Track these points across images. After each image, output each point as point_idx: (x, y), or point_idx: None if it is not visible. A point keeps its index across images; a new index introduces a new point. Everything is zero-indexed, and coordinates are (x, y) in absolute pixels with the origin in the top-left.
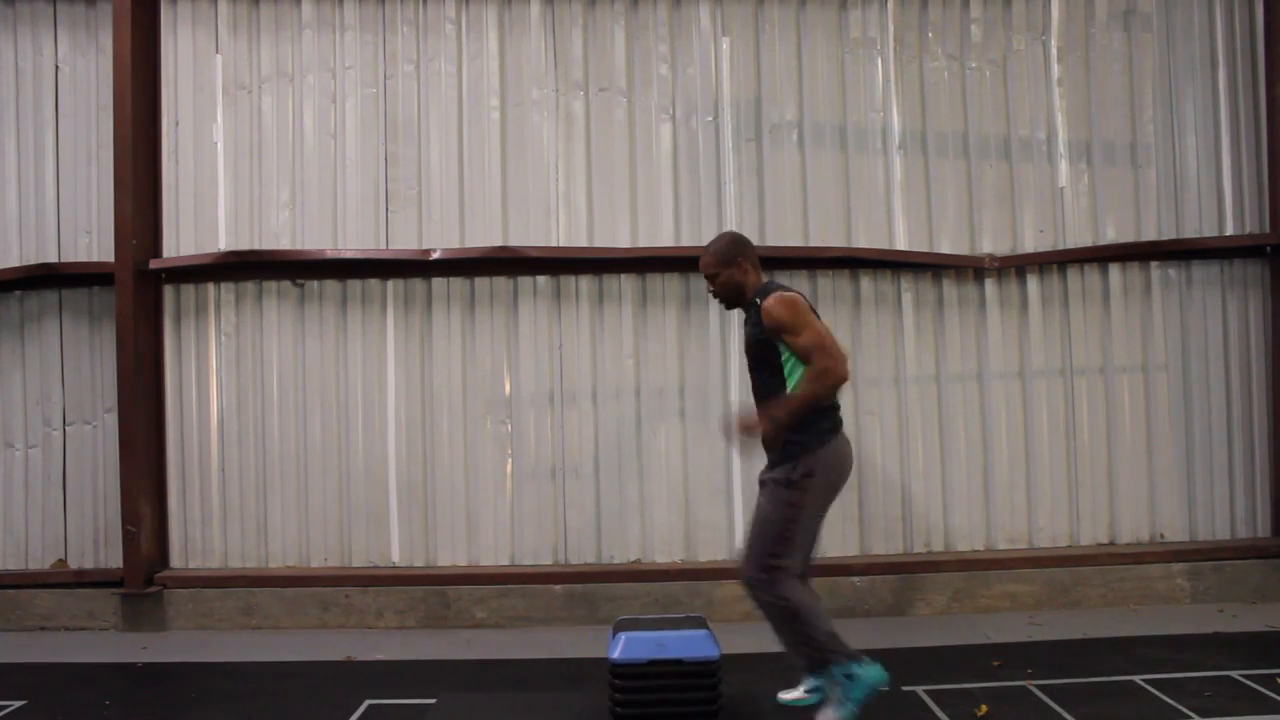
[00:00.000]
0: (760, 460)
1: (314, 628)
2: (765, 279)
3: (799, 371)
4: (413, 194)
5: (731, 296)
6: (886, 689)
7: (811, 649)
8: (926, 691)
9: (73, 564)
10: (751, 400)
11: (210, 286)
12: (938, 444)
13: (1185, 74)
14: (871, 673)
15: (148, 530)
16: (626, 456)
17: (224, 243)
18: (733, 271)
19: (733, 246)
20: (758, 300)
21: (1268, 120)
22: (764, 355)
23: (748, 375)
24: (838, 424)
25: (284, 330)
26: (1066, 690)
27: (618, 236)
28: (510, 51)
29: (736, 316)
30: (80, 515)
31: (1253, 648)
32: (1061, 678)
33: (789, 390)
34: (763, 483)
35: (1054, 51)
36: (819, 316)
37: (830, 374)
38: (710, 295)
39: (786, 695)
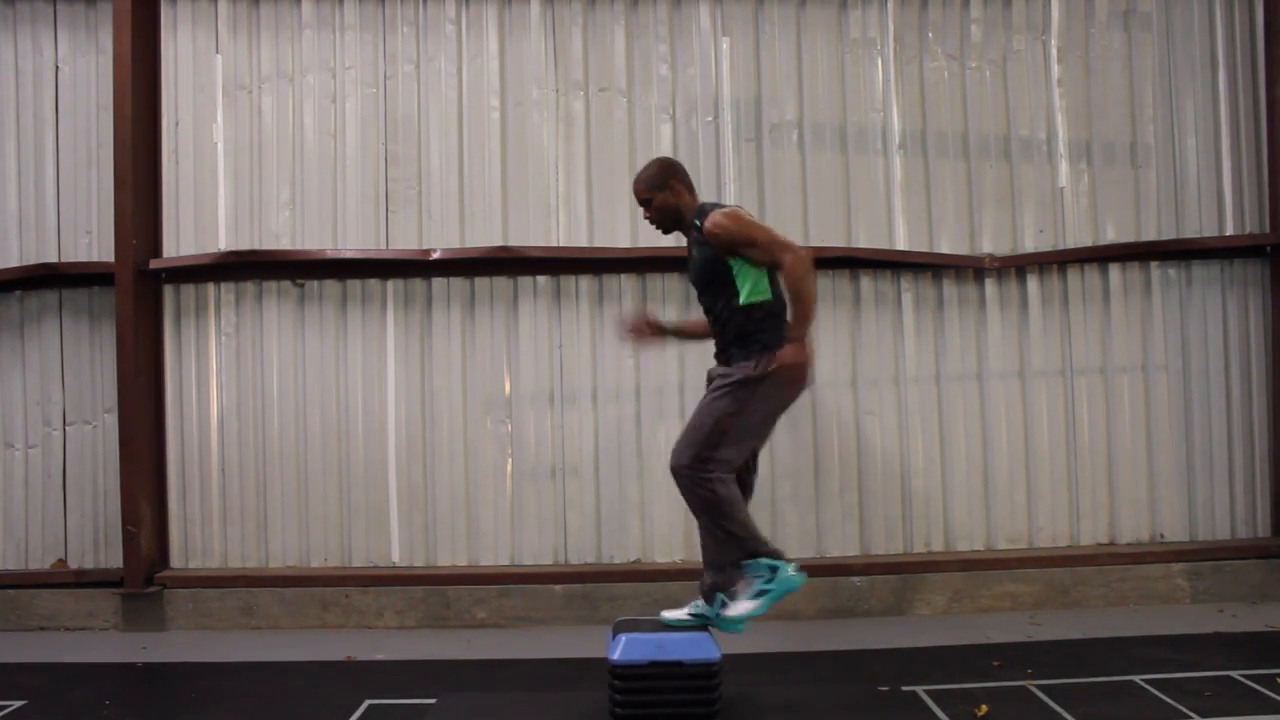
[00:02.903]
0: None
1: (314, 628)
2: (700, 199)
3: (749, 281)
4: (413, 194)
5: (669, 220)
6: (798, 590)
7: (734, 542)
8: (926, 691)
9: (73, 564)
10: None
11: (210, 286)
12: (938, 444)
13: (1185, 74)
14: (791, 572)
15: (148, 530)
16: (626, 456)
17: (224, 243)
18: (666, 195)
19: (663, 170)
20: (697, 221)
21: (1268, 120)
22: (715, 273)
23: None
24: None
25: (284, 330)
26: (1066, 690)
27: (618, 236)
28: (510, 51)
29: None
30: (80, 515)
31: (1253, 648)
32: (1061, 678)
33: (743, 300)
34: (713, 379)
35: (1054, 51)
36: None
37: (802, 261)
38: (648, 221)
39: (669, 614)
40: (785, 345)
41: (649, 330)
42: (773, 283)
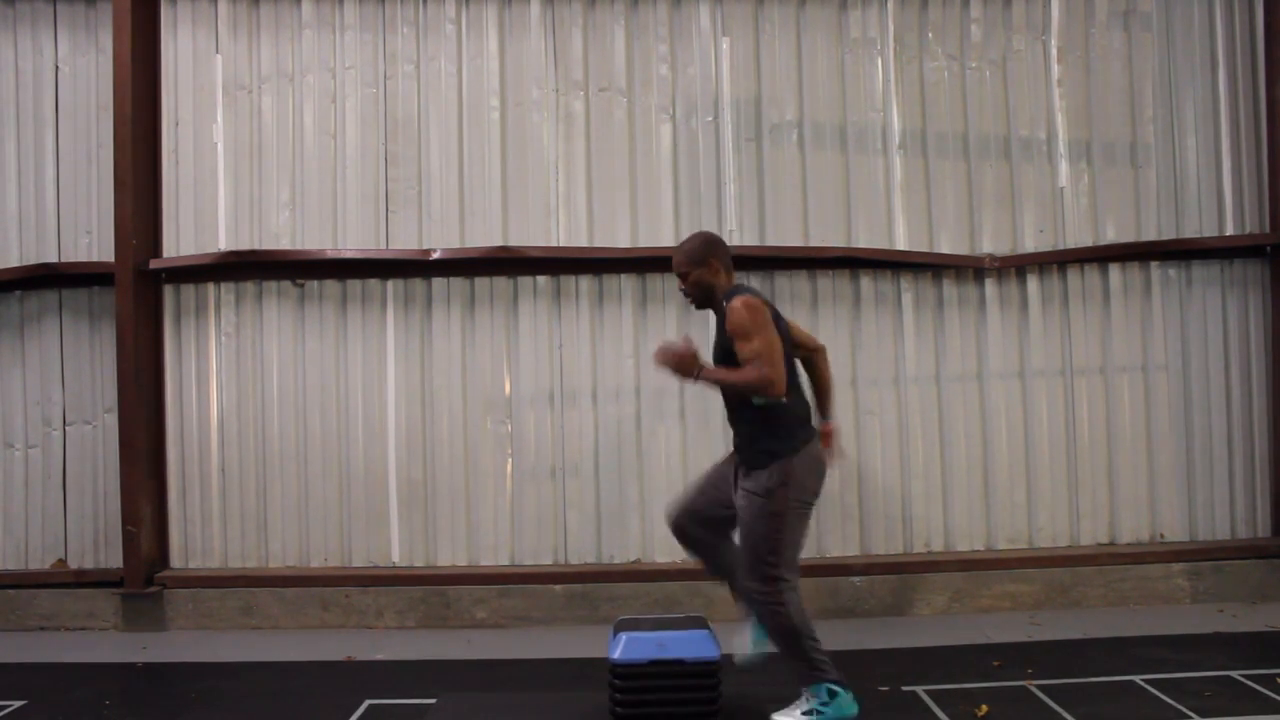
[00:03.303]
0: None
1: (314, 628)
2: (737, 280)
3: None
4: (413, 194)
5: (702, 296)
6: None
7: (803, 663)
8: (926, 691)
9: (73, 564)
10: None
11: (210, 286)
12: (938, 444)
13: (1185, 74)
14: (849, 701)
15: (148, 530)
16: (626, 456)
17: (224, 243)
18: (703, 271)
19: (705, 246)
20: (725, 303)
21: (1268, 120)
22: (731, 362)
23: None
24: (812, 434)
25: (284, 330)
26: (1066, 690)
27: (618, 236)
28: (510, 51)
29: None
30: (80, 515)
31: (1253, 648)
32: (1061, 678)
33: (756, 400)
34: (737, 487)
35: (1054, 51)
36: (784, 328)
37: (765, 383)
38: (682, 294)
39: (780, 716)
40: (691, 359)
41: (687, 362)
42: (788, 386)
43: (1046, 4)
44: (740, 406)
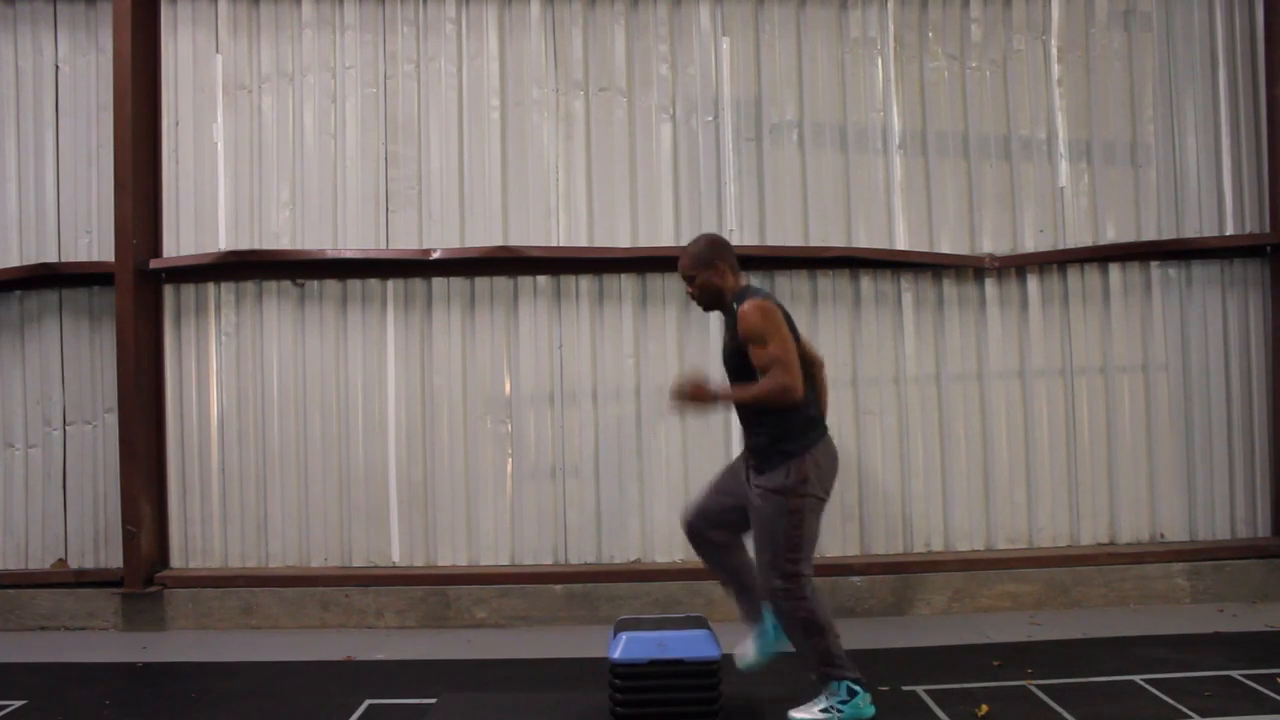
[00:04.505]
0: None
1: (314, 628)
2: (744, 282)
3: None
4: (413, 194)
5: (709, 299)
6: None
7: (824, 661)
8: (926, 691)
9: (73, 564)
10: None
11: (210, 286)
12: (938, 444)
13: (1185, 74)
14: (867, 702)
15: (148, 530)
16: (626, 456)
17: (224, 243)
18: (710, 274)
19: (710, 249)
20: (735, 305)
21: (1268, 120)
22: (741, 364)
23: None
24: (824, 431)
25: (284, 330)
26: (1066, 690)
27: (618, 236)
28: (510, 51)
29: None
30: (80, 515)
31: (1253, 648)
32: (1061, 678)
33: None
34: (751, 485)
35: (1054, 51)
36: (795, 329)
37: (786, 391)
38: (689, 297)
39: (797, 714)
40: (706, 391)
41: (701, 395)
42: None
43: (1046, 4)
44: (754, 409)
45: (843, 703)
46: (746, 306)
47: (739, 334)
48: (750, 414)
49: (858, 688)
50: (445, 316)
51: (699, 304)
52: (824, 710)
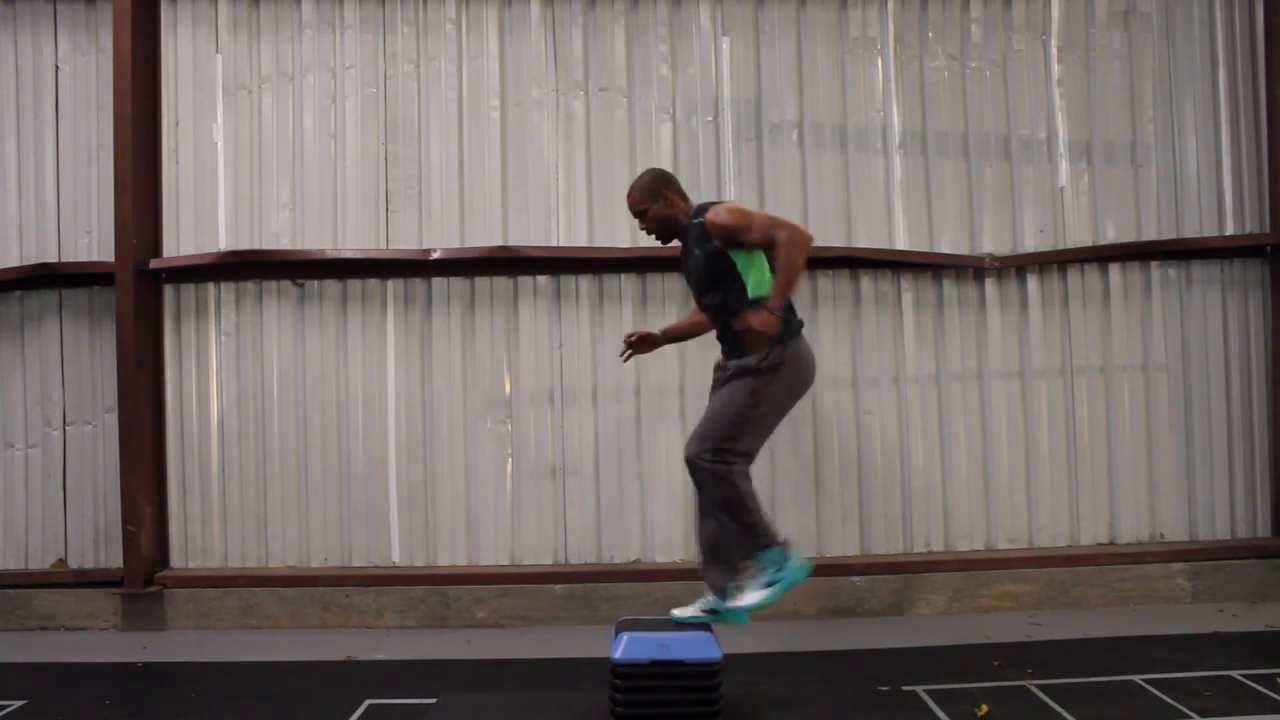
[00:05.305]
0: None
1: (314, 628)
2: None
3: (754, 274)
4: (413, 194)
5: (664, 229)
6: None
7: (748, 535)
8: (926, 691)
9: (73, 564)
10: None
11: (210, 286)
12: (938, 444)
13: (1185, 74)
14: (799, 562)
15: (148, 530)
16: (626, 456)
17: (224, 243)
18: (660, 205)
19: (656, 180)
20: (696, 219)
21: (1268, 120)
22: (719, 268)
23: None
24: (801, 323)
25: (284, 330)
26: (1066, 690)
27: (618, 236)
28: (510, 51)
29: None
30: (80, 515)
31: (1253, 648)
32: (1061, 678)
33: (751, 293)
34: (721, 368)
35: (1054, 51)
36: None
37: (800, 234)
38: (645, 233)
39: (679, 611)
40: (758, 312)
41: (647, 344)
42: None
43: (1046, 4)
44: (735, 303)
45: (777, 572)
46: (711, 213)
47: (714, 241)
48: (727, 311)
49: (785, 552)
50: (445, 316)
51: (656, 237)
52: (768, 585)
